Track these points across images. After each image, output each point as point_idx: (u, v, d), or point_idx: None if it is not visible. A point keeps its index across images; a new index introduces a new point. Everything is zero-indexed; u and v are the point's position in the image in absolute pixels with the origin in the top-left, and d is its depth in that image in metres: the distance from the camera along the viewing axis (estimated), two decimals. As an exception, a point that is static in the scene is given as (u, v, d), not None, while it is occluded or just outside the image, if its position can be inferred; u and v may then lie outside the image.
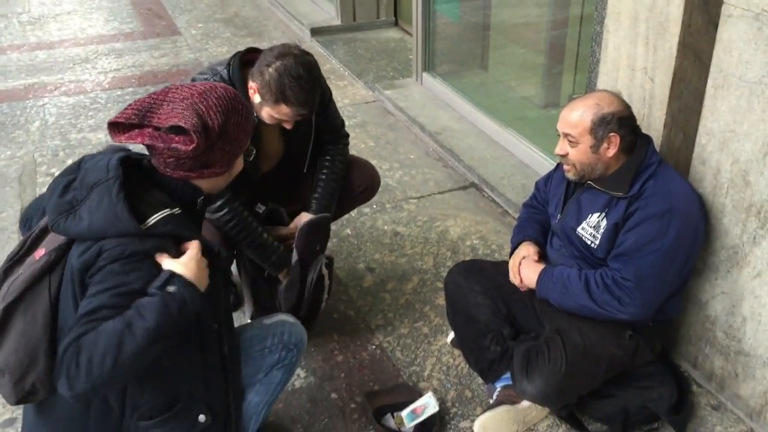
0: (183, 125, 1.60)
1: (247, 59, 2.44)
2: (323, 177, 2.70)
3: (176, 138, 1.62)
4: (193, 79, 2.44)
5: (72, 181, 1.67)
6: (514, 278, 2.40)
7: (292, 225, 2.64)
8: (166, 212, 1.61)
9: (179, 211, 1.66)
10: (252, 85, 2.33)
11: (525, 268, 2.37)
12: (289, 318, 2.07)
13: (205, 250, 1.68)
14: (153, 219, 1.58)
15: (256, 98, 2.33)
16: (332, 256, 2.69)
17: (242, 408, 1.97)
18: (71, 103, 4.99)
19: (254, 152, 2.57)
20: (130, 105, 1.68)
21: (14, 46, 6.14)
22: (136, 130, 1.64)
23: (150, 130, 1.63)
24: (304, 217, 2.61)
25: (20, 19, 6.93)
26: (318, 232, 2.57)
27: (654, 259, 2.08)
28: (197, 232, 1.73)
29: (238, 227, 2.43)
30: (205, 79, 2.41)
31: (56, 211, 1.62)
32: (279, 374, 2.00)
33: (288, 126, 2.38)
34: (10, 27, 6.68)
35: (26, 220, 1.83)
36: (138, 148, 1.72)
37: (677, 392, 2.32)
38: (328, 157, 2.72)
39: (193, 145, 1.61)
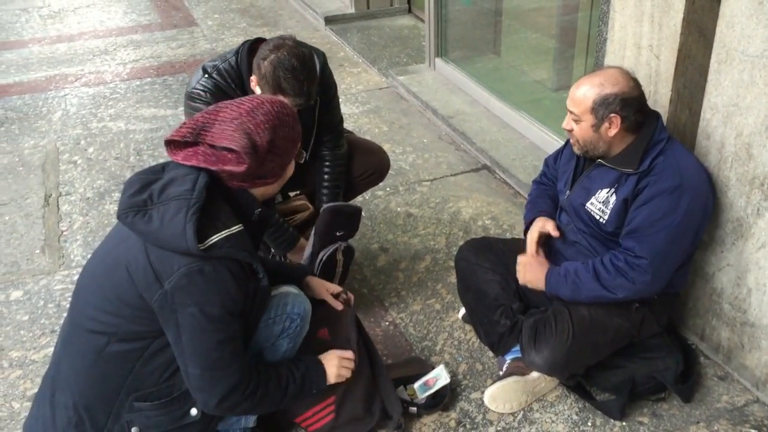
0: (234, 147, 1.73)
1: (254, 48, 2.52)
2: (327, 184, 2.80)
3: (229, 156, 1.74)
4: (203, 67, 2.53)
5: (152, 182, 1.78)
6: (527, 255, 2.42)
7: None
8: (224, 233, 1.72)
9: (239, 229, 1.76)
10: (252, 77, 2.41)
11: (529, 273, 2.38)
12: (293, 289, 2.14)
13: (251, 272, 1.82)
14: (213, 239, 1.69)
15: (257, 90, 2.40)
16: (353, 249, 2.75)
17: None
18: (91, 93, 5.10)
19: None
20: (184, 123, 1.79)
21: (35, 39, 6.27)
22: (191, 149, 1.77)
23: (204, 148, 1.76)
24: None
25: (41, 12, 7.06)
26: (341, 218, 2.64)
27: (666, 235, 2.11)
28: (253, 251, 1.82)
29: None
30: (215, 66, 2.52)
31: (128, 205, 1.76)
32: (284, 342, 2.08)
33: None
34: (31, 21, 6.81)
35: None
36: None
37: (684, 363, 2.37)
38: (328, 159, 2.80)
39: (245, 165, 1.74)
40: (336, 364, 2.08)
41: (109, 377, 1.81)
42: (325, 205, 2.68)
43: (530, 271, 2.39)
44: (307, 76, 2.36)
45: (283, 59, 2.31)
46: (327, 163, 2.81)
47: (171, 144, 1.80)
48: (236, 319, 1.78)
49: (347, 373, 2.12)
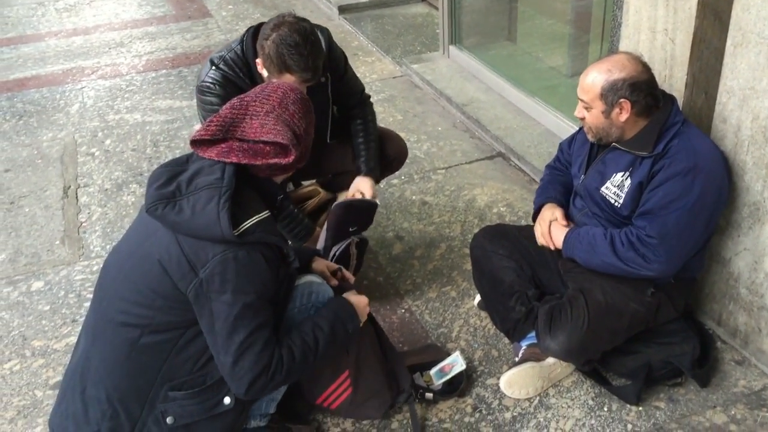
0: (282, 141, 1.78)
1: (258, 33, 2.52)
2: (362, 140, 2.79)
3: (268, 149, 1.79)
4: (211, 59, 2.54)
5: (178, 174, 1.81)
6: (544, 241, 2.43)
7: (352, 188, 2.74)
8: (255, 218, 1.76)
9: (267, 214, 1.80)
10: (257, 60, 2.41)
11: (554, 230, 2.42)
12: (315, 279, 2.16)
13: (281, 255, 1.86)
14: (245, 225, 1.73)
15: (264, 72, 2.40)
16: (367, 240, 2.76)
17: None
18: (108, 85, 5.14)
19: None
20: (211, 121, 1.81)
21: (52, 33, 6.31)
22: (224, 145, 1.80)
23: (237, 143, 1.79)
24: (362, 182, 2.71)
25: (56, 6, 7.10)
26: (354, 214, 2.65)
27: (678, 217, 2.11)
28: (281, 236, 1.87)
29: None
30: (221, 57, 2.52)
31: (157, 197, 1.77)
32: None
33: None
34: (47, 14, 6.86)
35: None
36: None
37: (700, 348, 2.36)
38: (359, 120, 2.80)
39: (293, 157, 1.80)
40: (362, 303, 2.11)
41: (143, 368, 1.83)
42: (337, 201, 2.67)
43: (555, 228, 2.41)
44: (311, 50, 2.34)
45: (285, 36, 2.31)
46: (359, 120, 2.82)
47: (197, 143, 1.82)
48: (269, 304, 1.82)
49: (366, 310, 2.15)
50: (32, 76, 5.37)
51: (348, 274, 2.39)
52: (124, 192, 3.75)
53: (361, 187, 2.72)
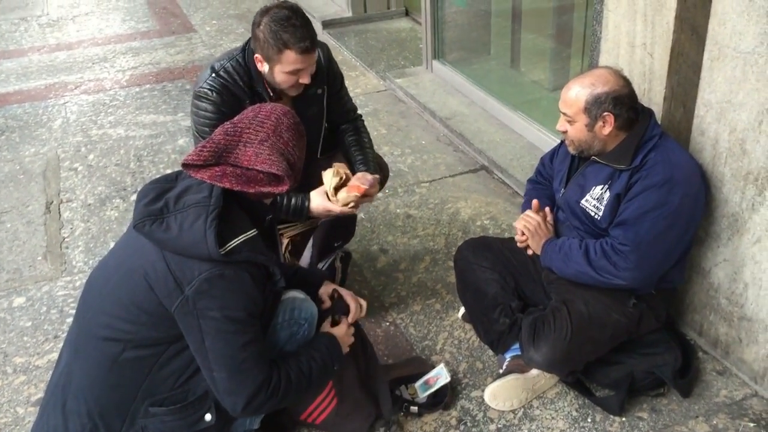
0: (276, 172, 1.79)
1: None
2: (356, 148, 2.75)
3: (261, 176, 1.79)
4: (212, 66, 2.51)
5: (167, 191, 1.81)
6: (526, 238, 2.46)
7: (359, 175, 2.56)
8: (242, 237, 1.76)
9: (254, 233, 1.80)
10: (256, 55, 2.40)
11: (532, 241, 2.44)
12: (299, 294, 2.15)
13: (267, 274, 1.87)
14: (232, 244, 1.73)
15: (265, 68, 2.39)
16: (350, 254, 2.75)
17: None
18: (91, 101, 5.13)
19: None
20: (204, 147, 1.81)
21: (35, 48, 6.30)
22: (217, 169, 1.79)
23: (231, 168, 1.79)
24: (366, 174, 2.59)
25: (39, 21, 7.10)
26: (337, 228, 2.63)
27: (652, 226, 2.14)
28: (269, 254, 1.87)
29: None
30: (222, 65, 2.49)
31: (145, 214, 1.77)
32: (293, 348, 2.08)
33: (305, 80, 2.42)
34: (30, 29, 6.85)
35: None
36: None
37: (682, 358, 2.38)
38: (351, 133, 2.78)
39: (287, 186, 1.80)
40: (341, 332, 2.12)
41: (124, 383, 1.83)
42: (324, 221, 2.65)
43: (534, 238, 2.43)
44: (303, 21, 2.35)
45: (275, 15, 2.32)
46: (351, 132, 2.78)
47: (188, 165, 1.82)
48: (257, 320, 1.82)
49: (351, 339, 2.16)
50: (15, 91, 5.36)
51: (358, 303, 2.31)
52: (107, 207, 3.74)
53: (366, 175, 2.54)
